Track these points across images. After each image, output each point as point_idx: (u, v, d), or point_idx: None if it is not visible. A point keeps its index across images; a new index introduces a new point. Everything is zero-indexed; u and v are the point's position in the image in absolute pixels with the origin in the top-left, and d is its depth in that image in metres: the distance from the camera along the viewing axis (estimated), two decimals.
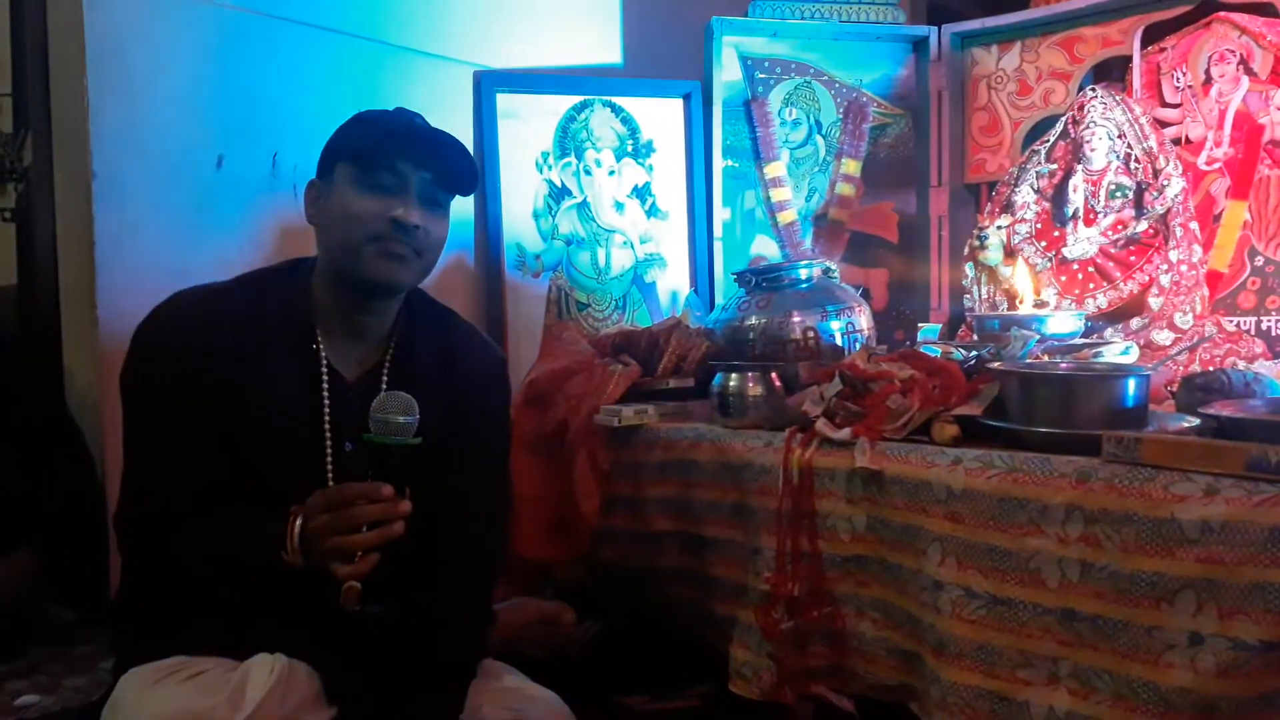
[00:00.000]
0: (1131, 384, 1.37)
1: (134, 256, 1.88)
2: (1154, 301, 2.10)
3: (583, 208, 2.53)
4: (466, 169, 1.33)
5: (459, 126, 2.41)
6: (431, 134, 1.32)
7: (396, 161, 1.27)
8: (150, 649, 1.20)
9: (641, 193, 2.58)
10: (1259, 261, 2.15)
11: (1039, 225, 2.26)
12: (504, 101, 2.45)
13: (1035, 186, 2.28)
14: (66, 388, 2.01)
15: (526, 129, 2.48)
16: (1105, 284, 2.19)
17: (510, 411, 1.54)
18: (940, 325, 2.31)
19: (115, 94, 1.88)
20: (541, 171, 2.49)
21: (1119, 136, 2.18)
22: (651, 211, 2.58)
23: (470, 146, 2.43)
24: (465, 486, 1.39)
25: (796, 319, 1.92)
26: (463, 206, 2.41)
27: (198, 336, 1.25)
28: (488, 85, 2.43)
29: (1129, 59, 2.32)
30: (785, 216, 2.58)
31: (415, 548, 1.37)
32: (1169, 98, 2.28)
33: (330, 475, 1.27)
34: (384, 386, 1.31)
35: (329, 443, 1.25)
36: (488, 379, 1.46)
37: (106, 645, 1.57)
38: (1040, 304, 2.08)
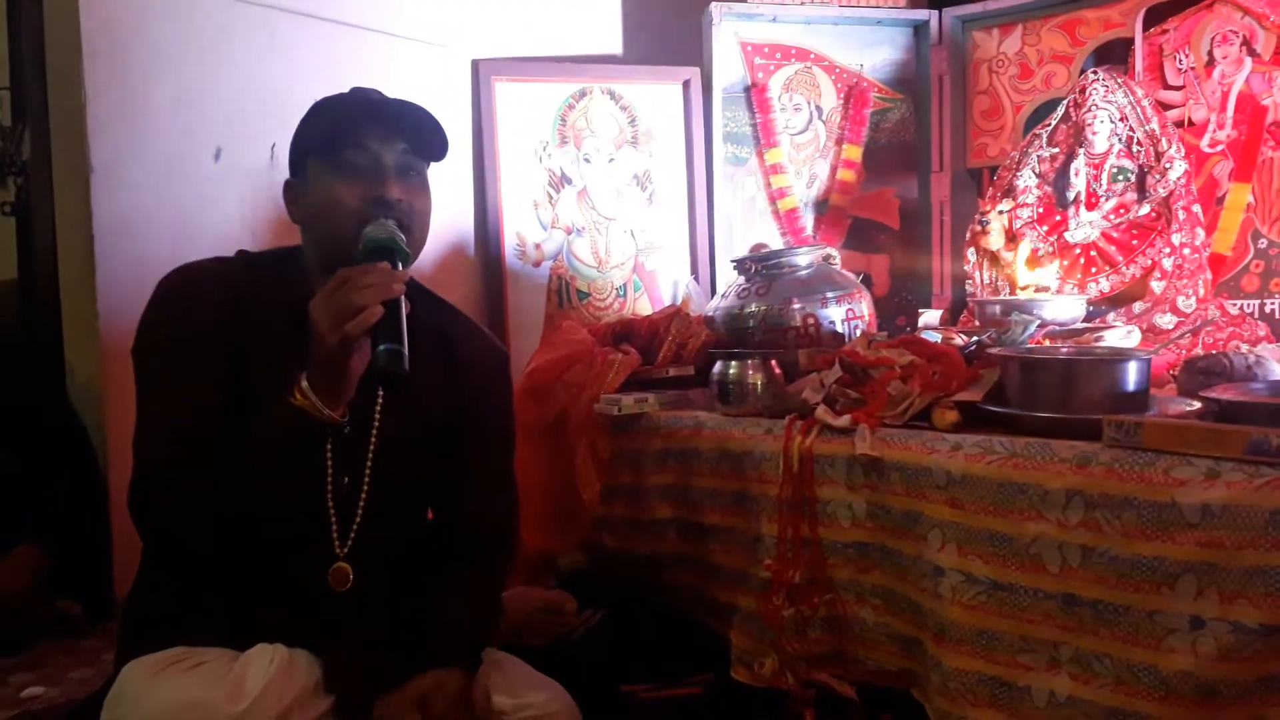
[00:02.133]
0: (1132, 368, 1.36)
1: (133, 250, 1.88)
2: (1156, 285, 2.09)
3: (583, 196, 2.52)
4: (436, 132, 1.30)
5: (457, 115, 2.40)
6: (394, 104, 1.29)
7: (365, 139, 1.25)
8: (153, 640, 1.19)
9: (641, 180, 2.57)
10: (1262, 244, 2.14)
11: (1041, 209, 2.25)
12: (502, 89, 2.45)
13: (1037, 170, 2.27)
14: (68, 382, 2.01)
15: (525, 117, 2.47)
16: (1107, 268, 2.18)
17: (513, 406, 1.53)
18: (942, 311, 2.31)
19: (112, 87, 1.88)
20: (541, 160, 2.48)
21: (1121, 119, 2.17)
22: (651, 199, 2.58)
23: (469, 135, 2.43)
24: (474, 475, 1.39)
25: (796, 306, 1.91)
26: (462, 196, 2.42)
27: (213, 302, 1.25)
28: (486, 73, 2.42)
29: (1131, 41, 2.31)
30: (786, 203, 2.57)
31: (421, 538, 1.37)
32: (1171, 80, 2.27)
33: (330, 462, 1.27)
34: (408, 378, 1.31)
35: (346, 419, 1.24)
36: (491, 372, 1.45)
37: (111, 638, 1.58)
38: (1041, 288, 2.07)
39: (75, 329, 1.99)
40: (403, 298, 1.15)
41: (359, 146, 1.25)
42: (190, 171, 1.97)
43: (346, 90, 1.33)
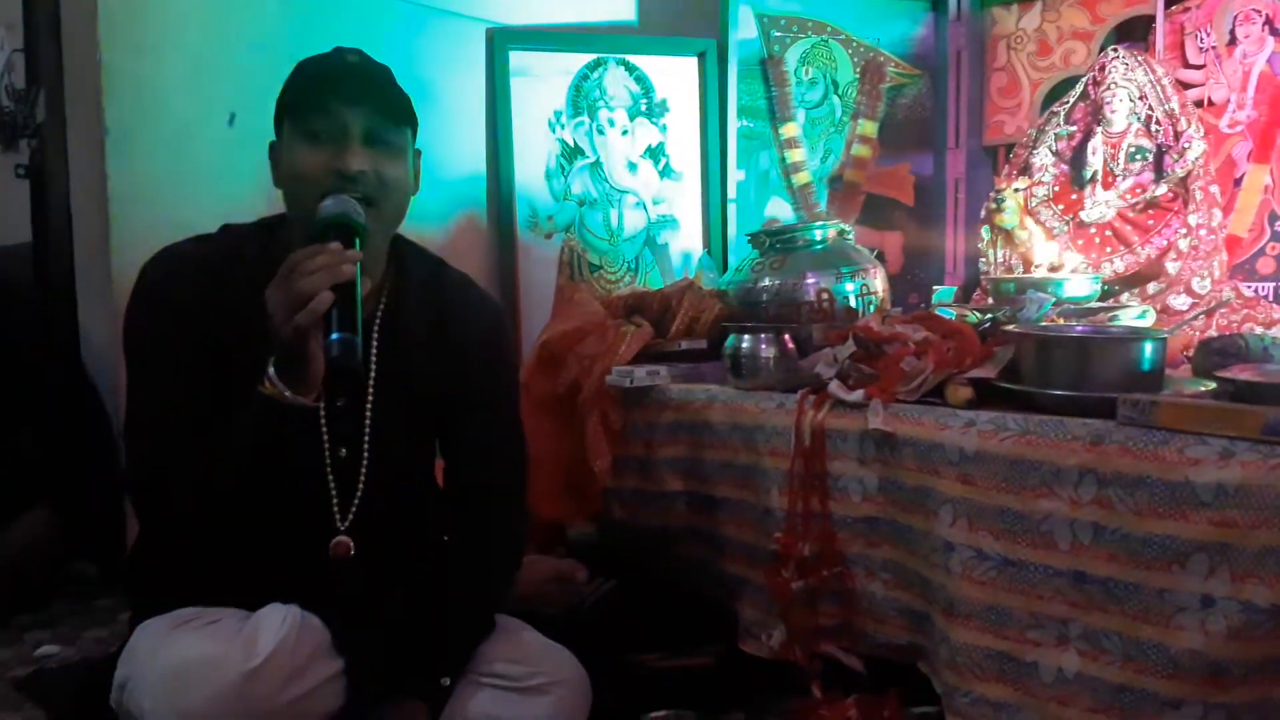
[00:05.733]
0: (1148, 347, 1.36)
1: (147, 214, 1.88)
2: (1171, 266, 2.08)
3: (595, 168, 2.51)
4: (398, 98, 1.27)
5: (471, 84, 2.39)
6: (363, 67, 1.25)
7: (329, 102, 1.20)
8: (166, 601, 1.21)
9: (655, 153, 2.56)
10: (1279, 226, 2.13)
11: (1057, 188, 2.24)
12: (517, 59, 2.43)
13: (1054, 149, 2.26)
14: (82, 347, 2.02)
15: (539, 87, 2.46)
16: (1123, 248, 2.17)
17: (513, 357, 1.50)
18: (955, 288, 2.30)
19: (127, 50, 1.87)
20: (554, 131, 2.47)
21: (1140, 98, 2.15)
22: (665, 172, 2.57)
23: (482, 105, 2.42)
24: (477, 435, 1.37)
25: (810, 281, 1.91)
26: (475, 167, 2.41)
27: (192, 289, 1.23)
28: (501, 43, 2.41)
29: (1152, 19, 2.29)
30: (800, 178, 2.56)
31: (427, 507, 1.38)
32: (1192, 59, 2.25)
33: (325, 433, 1.26)
34: (374, 345, 1.29)
35: (321, 402, 1.21)
36: (485, 328, 1.41)
37: (125, 598, 1.60)
38: (1054, 267, 2.06)
39: (89, 293, 1.99)
40: (359, 276, 1.12)
41: (324, 110, 1.21)
42: (204, 136, 1.97)
43: (330, 50, 1.28)
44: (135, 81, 1.88)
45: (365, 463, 1.28)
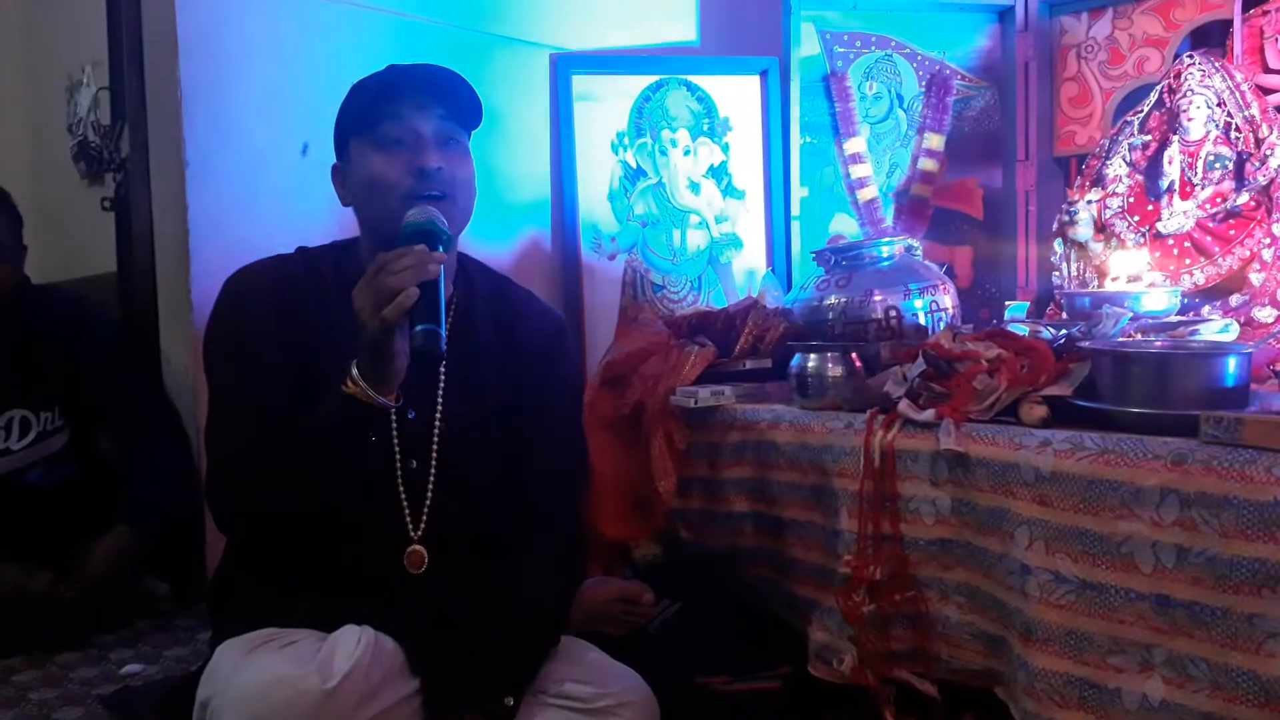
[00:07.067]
0: (1231, 362, 1.31)
1: (225, 243, 1.94)
2: (1255, 277, 2.01)
3: (658, 188, 2.52)
4: (470, 96, 1.31)
5: (536, 109, 2.42)
6: (427, 70, 1.30)
7: (400, 108, 1.26)
8: (245, 622, 1.23)
9: (718, 172, 2.56)
10: None
11: (1131, 199, 2.18)
12: (580, 83, 2.46)
13: (1128, 159, 2.20)
14: (163, 371, 2.09)
15: (602, 110, 2.48)
16: (1202, 259, 2.10)
17: (577, 370, 1.52)
18: (1028, 304, 2.25)
19: (206, 85, 1.94)
20: (617, 153, 2.49)
21: (1218, 105, 2.09)
22: (728, 191, 2.57)
23: (546, 128, 2.45)
24: (538, 451, 1.38)
25: (878, 298, 1.88)
26: (539, 190, 2.44)
27: (272, 299, 1.28)
28: (564, 67, 2.44)
29: (1229, 23, 2.22)
30: (865, 193, 2.53)
31: (498, 519, 1.38)
32: (1272, 63, 2.17)
33: (397, 444, 1.29)
34: (443, 357, 1.32)
35: (394, 414, 1.26)
36: (549, 343, 1.44)
37: (204, 618, 1.64)
38: (1133, 278, 2.01)
39: (171, 319, 2.06)
40: (442, 279, 1.16)
41: (395, 118, 1.26)
42: (279, 166, 2.03)
43: (384, 69, 1.33)
44: (214, 115, 1.95)
45: (434, 474, 1.31)
